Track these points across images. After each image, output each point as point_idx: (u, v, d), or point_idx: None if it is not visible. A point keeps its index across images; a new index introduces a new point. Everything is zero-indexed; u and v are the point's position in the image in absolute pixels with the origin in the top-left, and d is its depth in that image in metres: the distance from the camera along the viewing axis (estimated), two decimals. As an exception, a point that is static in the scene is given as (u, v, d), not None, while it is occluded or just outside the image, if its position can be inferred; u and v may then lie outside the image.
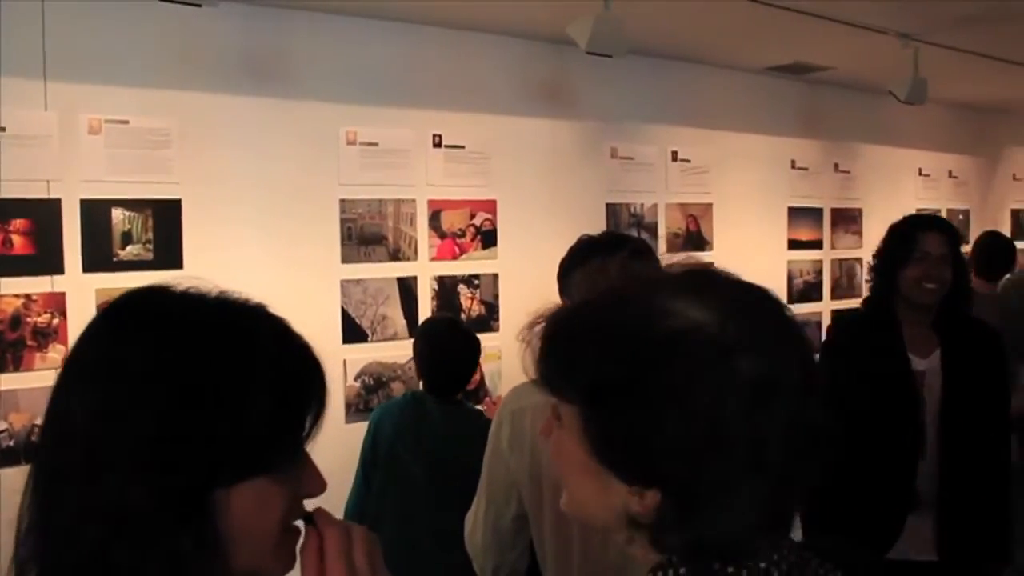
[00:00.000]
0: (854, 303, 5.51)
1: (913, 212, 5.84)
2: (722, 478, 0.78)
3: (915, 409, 2.57)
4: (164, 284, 0.86)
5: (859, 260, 5.56)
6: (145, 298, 0.86)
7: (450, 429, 2.72)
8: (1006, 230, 6.69)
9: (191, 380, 0.79)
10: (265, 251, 3.32)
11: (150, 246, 3.11)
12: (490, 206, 3.85)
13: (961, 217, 6.35)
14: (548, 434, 0.91)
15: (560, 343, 0.85)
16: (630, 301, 0.84)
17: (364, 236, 3.55)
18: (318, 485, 0.90)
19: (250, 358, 0.83)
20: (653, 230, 4.42)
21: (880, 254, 2.74)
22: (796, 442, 0.80)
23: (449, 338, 2.88)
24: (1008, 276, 4.97)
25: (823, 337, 5.26)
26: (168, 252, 3.14)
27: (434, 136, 3.72)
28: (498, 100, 3.91)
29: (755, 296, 0.84)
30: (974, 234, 5.60)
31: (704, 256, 4.64)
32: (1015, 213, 6.89)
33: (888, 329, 2.63)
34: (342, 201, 3.50)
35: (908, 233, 2.65)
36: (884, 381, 2.57)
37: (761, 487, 0.79)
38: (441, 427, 2.72)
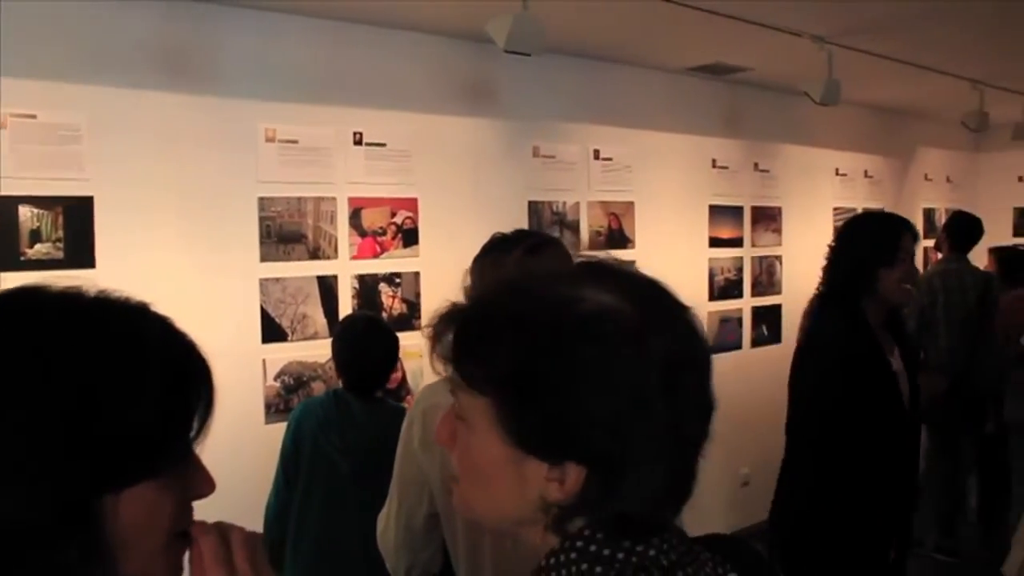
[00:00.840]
0: (775, 300, 5.71)
1: (832, 210, 6.16)
2: (647, 449, 0.82)
3: (903, 408, 2.65)
4: (39, 284, 0.83)
5: (779, 258, 5.76)
6: (18, 299, 0.83)
7: (374, 427, 2.74)
8: (919, 228, 7.00)
9: (70, 384, 0.76)
10: (182, 249, 3.30)
11: (60, 244, 3.07)
12: (411, 204, 3.89)
13: (876, 215, 6.60)
14: (450, 441, 0.92)
15: (471, 335, 0.87)
16: (537, 291, 0.88)
17: (283, 234, 3.56)
18: (207, 486, 0.89)
19: (133, 359, 0.81)
20: (575, 228, 4.51)
21: (853, 254, 2.69)
22: (702, 417, 0.87)
23: (367, 335, 2.91)
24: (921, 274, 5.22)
25: (746, 334, 5.48)
26: (80, 251, 3.10)
27: (355, 134, 3.74)
28: (419, 98, 3.94)
29: (650, 284, 0.90)
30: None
31: (626, 254, 4.75)
32: (927, 212, 7.21)
33: (866, 331, 2.64)
34: (261, 199, 3.50)
35: (893, 235, 2.66)
36: (877, 384, 2.61)
37: (677, 460, 0.85)
38: (366, 425, 2.74)
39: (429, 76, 3.98)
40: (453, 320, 0.89)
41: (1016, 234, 7.57)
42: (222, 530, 0.88)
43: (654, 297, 0.88)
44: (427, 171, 3.94)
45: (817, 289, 2.81)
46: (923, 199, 7.21)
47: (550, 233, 4.28)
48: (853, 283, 2.66)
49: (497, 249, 1.84)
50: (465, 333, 0.88)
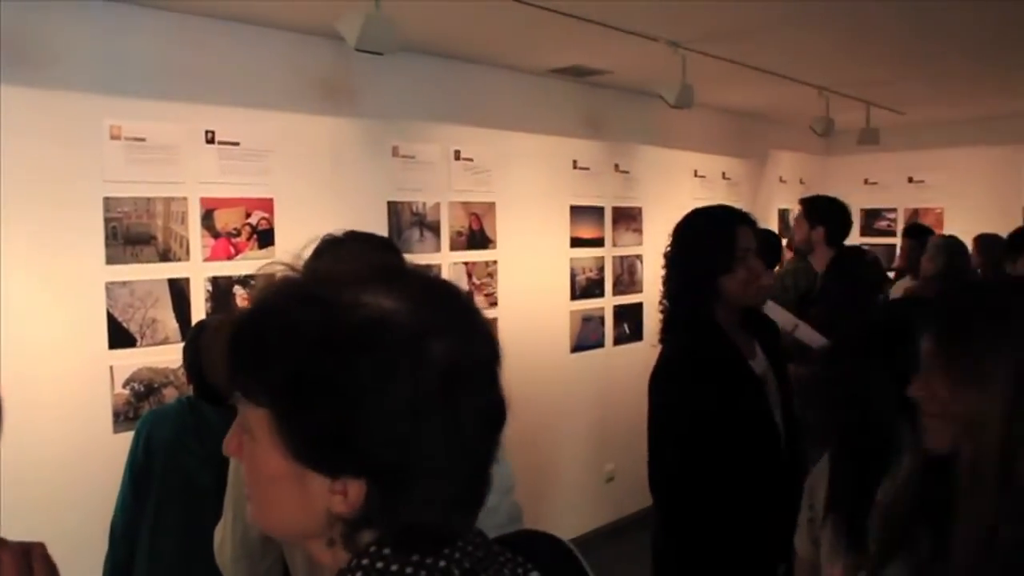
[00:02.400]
0: (636, 298, 5.94)
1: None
2: (428, 460, 0.82)
3: (770, 414, 2.54)
4: None
5: (639, 257, 5.99)
6: None
7: None
8: (774, 228, 7.42)
9: None
10: (20, 251, 3.21)
11: None
12: (267, 204, 3.90)
13: (734, 216, 6.95)
14: (239, 452, 0.92)
15: (247, 344, 0.86)
16: (314, 296, 0.85)
17: (131, 236, 3.50)
18: None
19: None
20: (436, 229, 4.60)
21: (689, 264, 2.55)
22: (489, 423, 0.88)
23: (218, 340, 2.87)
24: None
25: (608, 333, 5.68)
26: (-96, 253, 2.99)
27: (207, 132, 3.72)
28: (275, 96, 3.95)
29: (441, 285, 0.91)
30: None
31: (487, 254, 4.87)
32: (781, 212, 7.63)
33: (721, 338, 2.52)
34: (106, 199, 3.43)
35: (727, 235, 2.50)
36: (740, 393, 2.49)
37: (462, 467, 0.85)
38: (224, 433, 2.71)
39: (285, 73, 3.99)
40: (235, 326, 0.88)
41: (864, 234, 8.10)
42: (22, 547, 0.88)
43: (444, 300, 0.89)
44: (283, 171, 3.95)
45: (661, 303, 2.66)
46: (779, 200, 7.63)
47: (410, 234, 4.37)
48: (696, 294, 2.52)
49: (327, 252, 1.87)
50: (238, 341, 0.86)
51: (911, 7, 3.79)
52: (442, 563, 0.85)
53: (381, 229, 4.20)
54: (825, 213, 4.31)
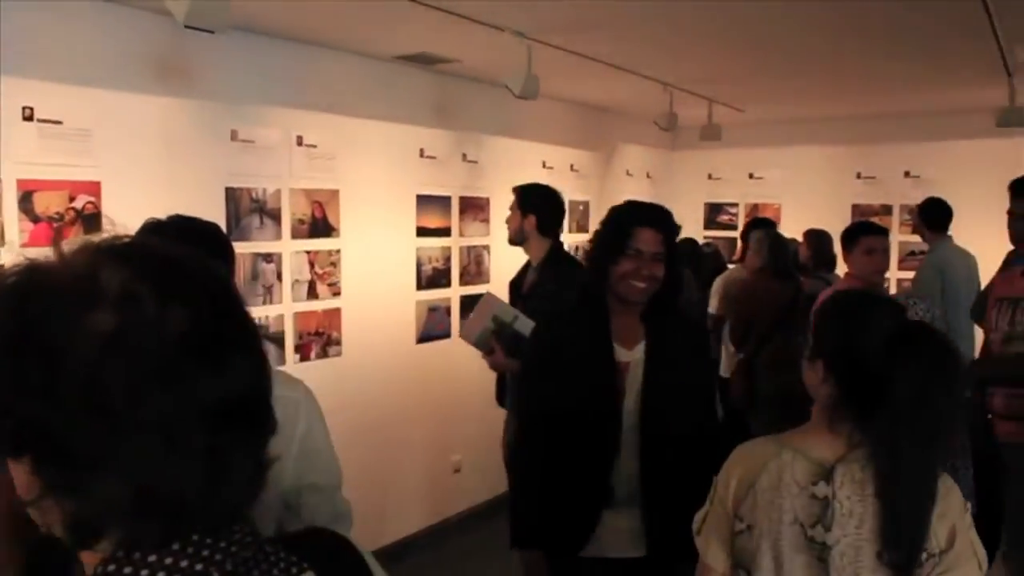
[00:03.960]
0: (483, 288, 6.01)
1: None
2: (78, 441, 0.77)
3: (613, 400, 2.68)
4: None
5: (487, 247, 6.09)
6: None
7: None
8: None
9: None
10: None
11: None
12: (93, 188, 3.75)
13: (582, 208, 7.15)
14: None
15: None
16: (29, 268, 0.84)
17: (-62, 218, 3.32)
18: None
19: None
20: (276, 216, 4.54)
21: (593, 243, 2.84)
22: (200, 415, 0.80)
23: None
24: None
25: (455, 323, 5.74)
26: None
27: (24, 108, 3.53)
28: (102, 72, 3.79)
29: (173, 259, 0.86)
30: (593, 224, 6.33)
31: (331, 243, 4.85)
32: (628, 205, 7.88)
33: (596, 319, 2.75)
34: (-91, 178, 3.25)
35: (623, 228, 2.72)
36: (584, 372, 2.70)
37: (142, 467, 0.78)
38: None
39: (114, 49, 3.84)
40: None
41: (707, 227, 8.48)
42: None
43: (157, 272, 0.83)
44: (112, 152, 3.81)
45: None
46: (626, 193, 7.85)
47: (249, 221, 4.31)
48: (593, 275, 2.80)
49: (151, 235, 1.87)
50: None
51: (750, 8, 3.99)
52: (199, 566, 0.82)
53: (218, 216, 4.12)
54: (536, 201, 4.33)
